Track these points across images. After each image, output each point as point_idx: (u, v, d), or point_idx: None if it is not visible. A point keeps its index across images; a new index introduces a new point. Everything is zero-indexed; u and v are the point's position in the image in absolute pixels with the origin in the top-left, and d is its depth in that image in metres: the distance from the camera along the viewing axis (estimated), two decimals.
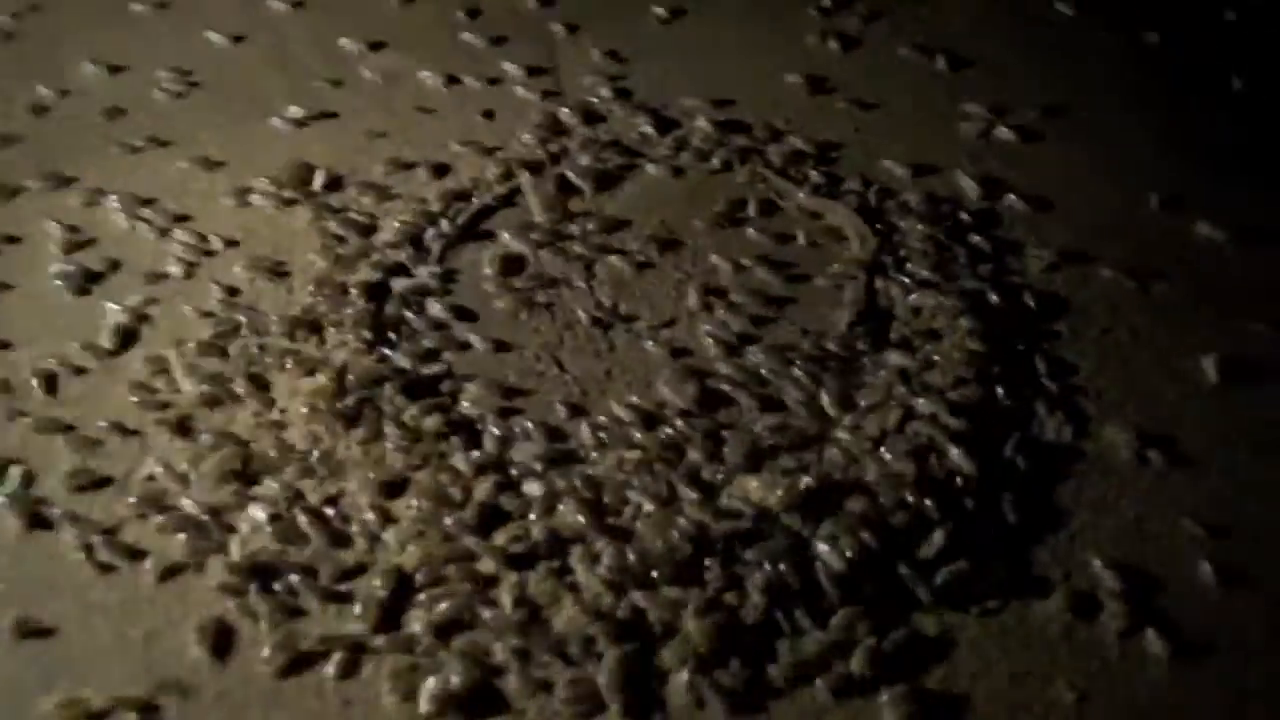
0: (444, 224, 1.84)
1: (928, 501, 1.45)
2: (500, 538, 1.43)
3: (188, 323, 1.70)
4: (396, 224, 1.83)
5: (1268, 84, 2.09)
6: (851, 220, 1.84)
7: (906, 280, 1.74)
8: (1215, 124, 2.04)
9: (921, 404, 1.56)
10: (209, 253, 1.81)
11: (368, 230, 1.83)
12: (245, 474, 1.51)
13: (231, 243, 1.83)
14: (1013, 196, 1.88)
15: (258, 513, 1.46)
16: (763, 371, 1.62)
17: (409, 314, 1.71)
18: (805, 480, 1.46)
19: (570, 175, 1.91)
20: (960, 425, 1.53)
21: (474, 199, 1.88)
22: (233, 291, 1.75)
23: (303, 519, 1.45)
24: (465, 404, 1.58)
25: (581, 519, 1.43)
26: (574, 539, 1.42)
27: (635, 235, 1.83)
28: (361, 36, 2.21)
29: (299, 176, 1.92)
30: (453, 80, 2.13)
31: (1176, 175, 1.93)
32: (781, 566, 1.39)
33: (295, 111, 2.05)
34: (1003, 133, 2.00)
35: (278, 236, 1.84)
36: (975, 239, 1.81)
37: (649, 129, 2.00)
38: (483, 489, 1.47)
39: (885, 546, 1.41)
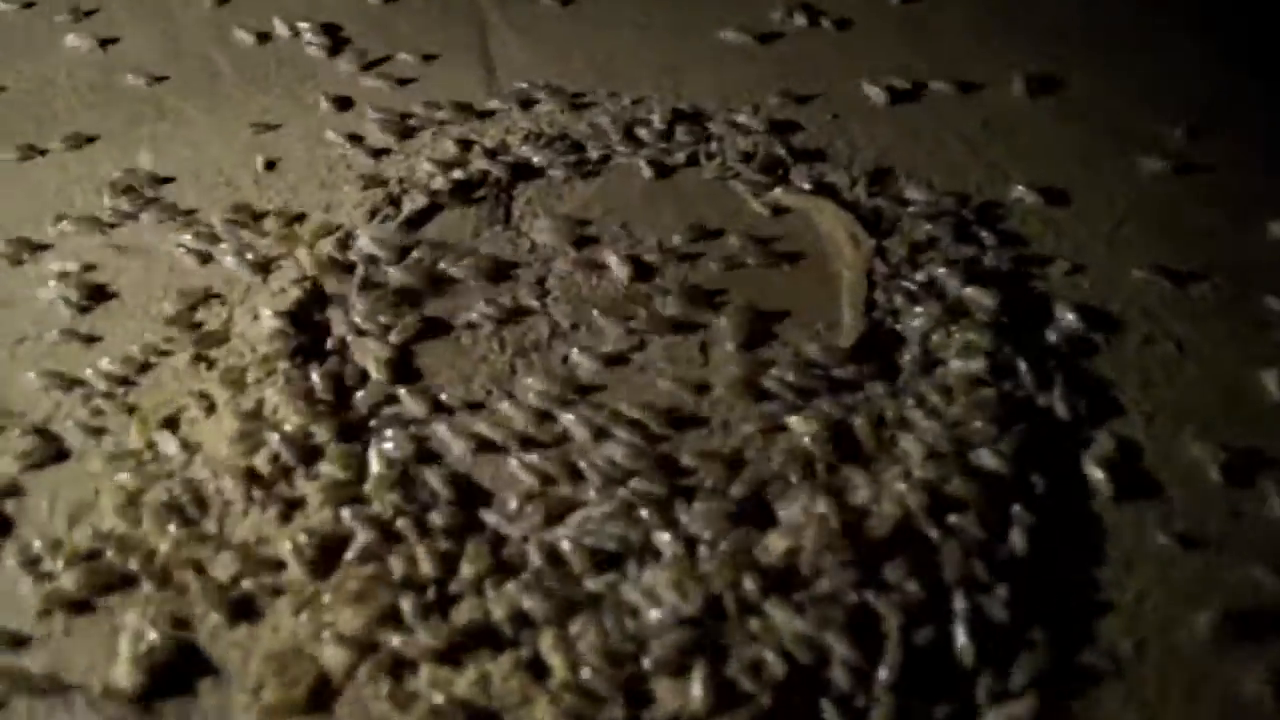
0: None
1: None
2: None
3: None
4: None
5: None
6: (842, 218, 1.58)
7: (911, 289, 1.49)
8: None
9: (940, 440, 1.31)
10: None
11: None
12: None
13: None
14: (1021, 188, 1.64)
15: None
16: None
17: None
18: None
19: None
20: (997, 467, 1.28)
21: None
22: None
23: None
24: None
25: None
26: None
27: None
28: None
29: None
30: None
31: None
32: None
33: None
34: (1001, 112, 1.76)
35: None
36: (985, 237, 1.56)
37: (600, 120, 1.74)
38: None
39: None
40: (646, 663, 1.14)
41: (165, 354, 1.45)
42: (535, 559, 1.22)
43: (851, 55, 1.88)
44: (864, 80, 1.80)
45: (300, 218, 1.61)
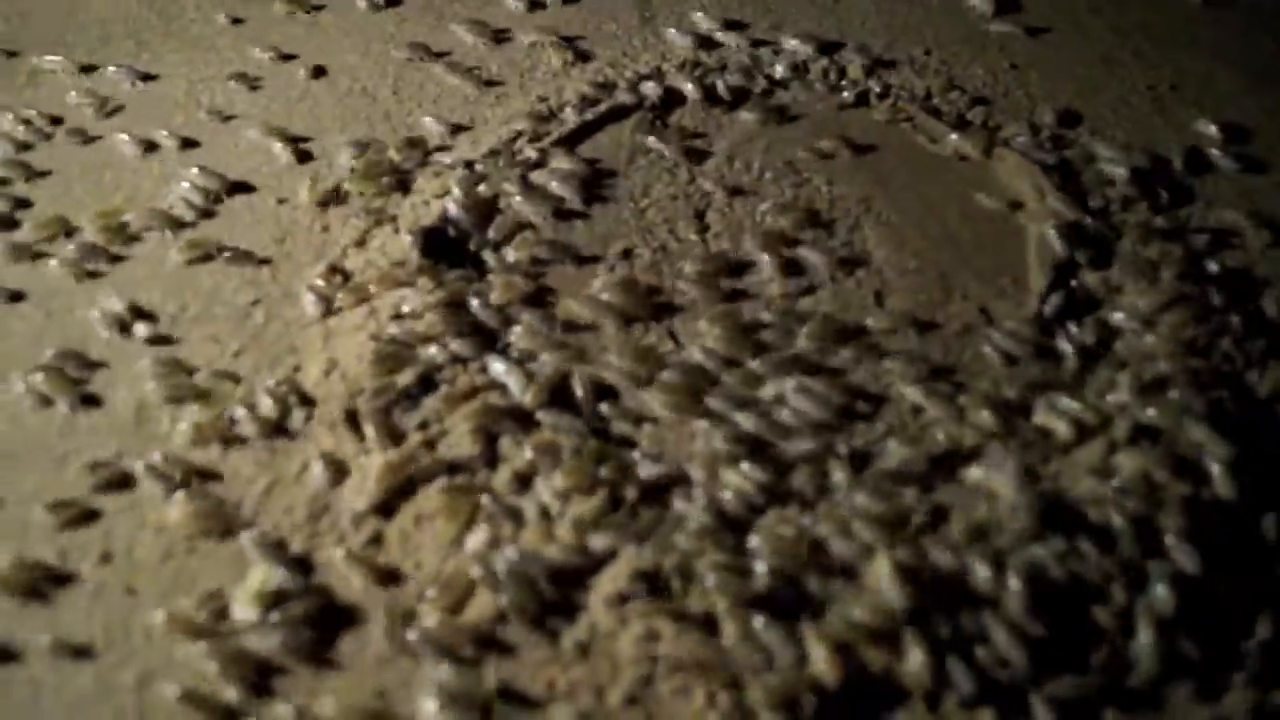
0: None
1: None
2: None
3: None
4: None
5: None
6: (1025, 168, 1.47)
7: (1098, 250, 1.37)
8: None
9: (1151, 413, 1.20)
10: None
11: None
12: None
13: None
14: (1215, 151, 1.52)
15: None
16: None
17: None
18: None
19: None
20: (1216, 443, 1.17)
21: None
22: None
23: None
24: None
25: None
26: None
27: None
28: None
29: None
30: None
31: None
32: None
33: None
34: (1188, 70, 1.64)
35: None
36: (1176, 203, 1.45)
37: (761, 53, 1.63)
38: None
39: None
40: None
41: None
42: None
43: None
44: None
45: (458, 128, 1.52)
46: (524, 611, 1.05)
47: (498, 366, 1.23)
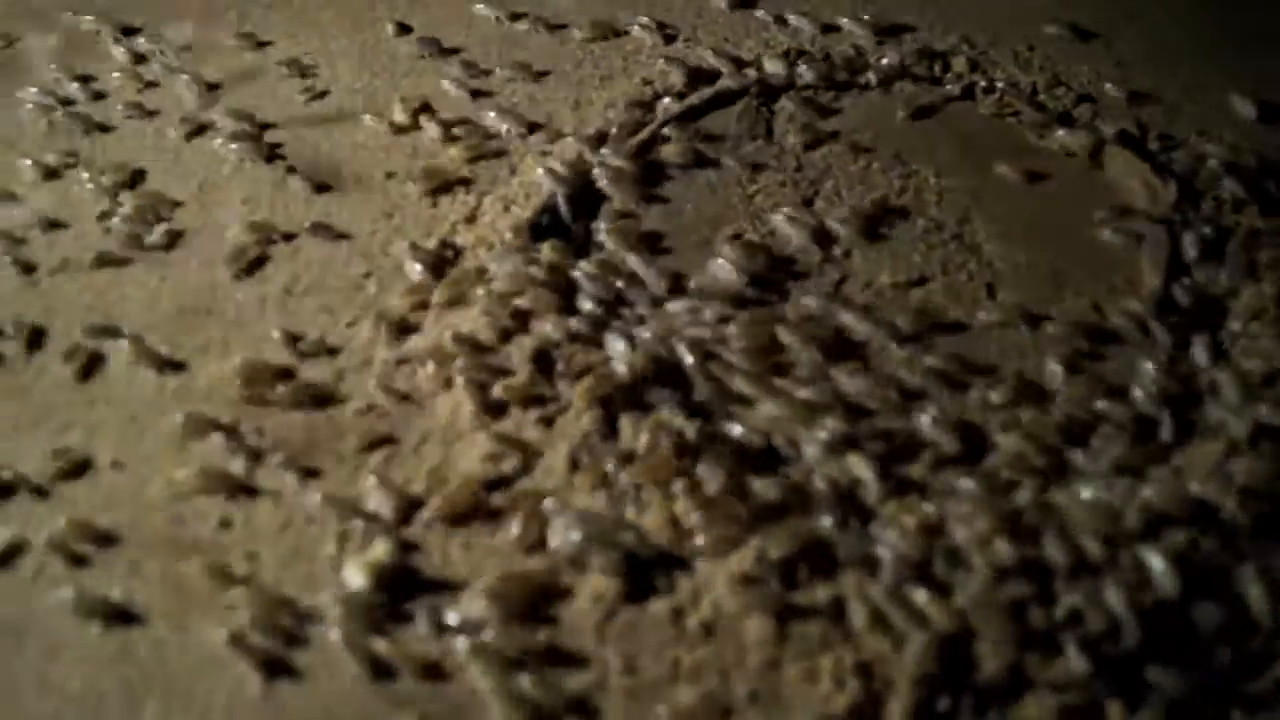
0: None
1: None
2: None
3: None
4: None
5: None
6: (1135, 166, 1.46)
7: (1208, 251, 1.36)
8: None
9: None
10: None
11: None
12: None
13: None
14: None
15: None
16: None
17: None
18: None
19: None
20: None
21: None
22: None
23: None
24: None
25: None
26: None
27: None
28: None
29: None
30: None
31: None
32: None
33: None
34: None
35: None
36: None
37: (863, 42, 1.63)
38: None
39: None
40: None
41: None
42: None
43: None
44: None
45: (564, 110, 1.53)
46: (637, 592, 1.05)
47: (616, 345, 1.22)
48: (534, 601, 1.05)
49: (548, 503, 1.10)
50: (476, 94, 1.55)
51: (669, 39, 1.64)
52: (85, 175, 1.44)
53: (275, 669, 1.02)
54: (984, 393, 1.20)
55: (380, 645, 1.02)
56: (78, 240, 1.37)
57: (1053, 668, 1.01)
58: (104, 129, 1.52)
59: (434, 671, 1.01)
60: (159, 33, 1.66)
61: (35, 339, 1.27)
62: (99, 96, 1.56)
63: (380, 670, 1.01)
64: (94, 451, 1.17)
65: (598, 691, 1.01)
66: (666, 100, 1.53)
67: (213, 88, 1.57)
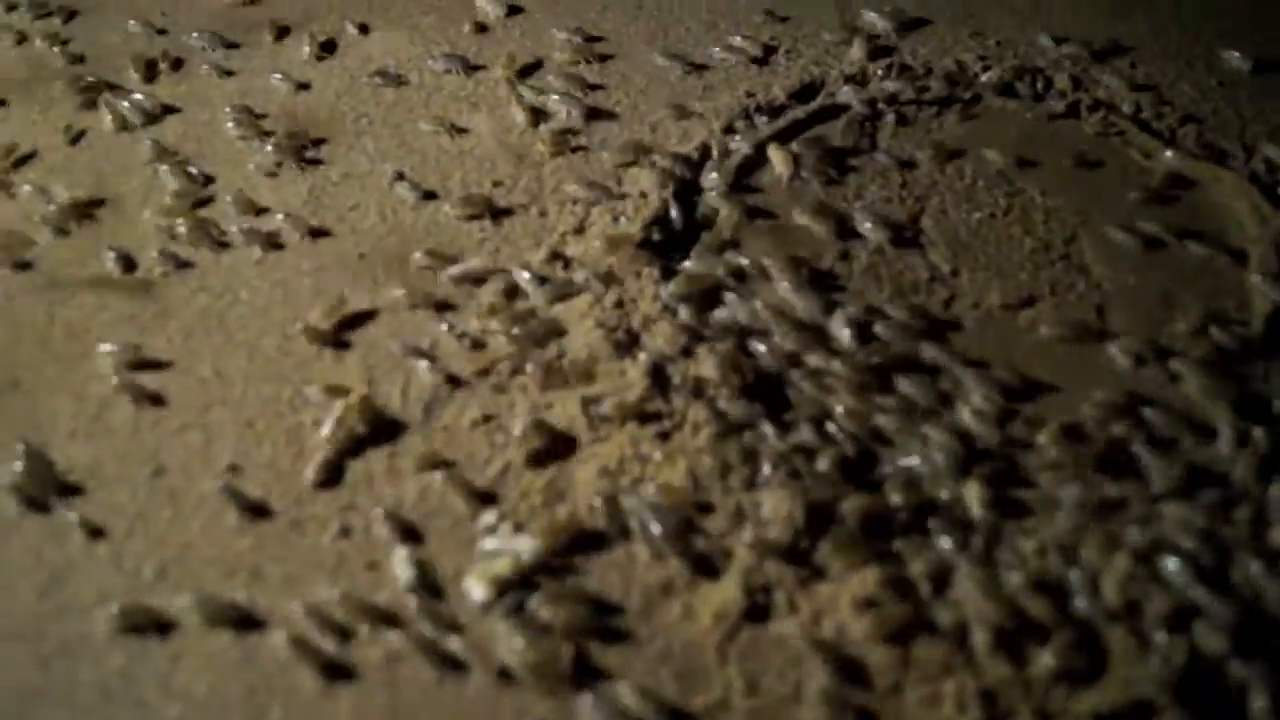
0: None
1: None
2: None
3: None
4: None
5: None
6: (1243, 189, 1.45)
7: None
8: None
9: None
10: None
11: None
12: None
13: None
14: None
15: None
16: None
17: None
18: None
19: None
20: None
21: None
22: None
23: None
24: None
25: None
26: None
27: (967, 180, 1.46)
28: None
29: None
30: None
31: None
32: None
33: None
34: None
35: None
36: None
37: (965, 58, 1.63)
38: None
39: None
40: None
41: None
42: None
43: (1224, 17, 1.73)
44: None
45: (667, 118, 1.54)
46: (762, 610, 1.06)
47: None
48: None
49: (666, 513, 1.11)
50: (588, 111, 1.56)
51: (769, 50, 1.64)
52: None
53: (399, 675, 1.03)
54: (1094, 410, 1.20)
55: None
56: None
57: None
58: None
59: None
60: None
61: None
62: None
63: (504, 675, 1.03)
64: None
65: (720, 711, 1.01)
66: (762, 116, 1.53)
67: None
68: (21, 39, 1.71)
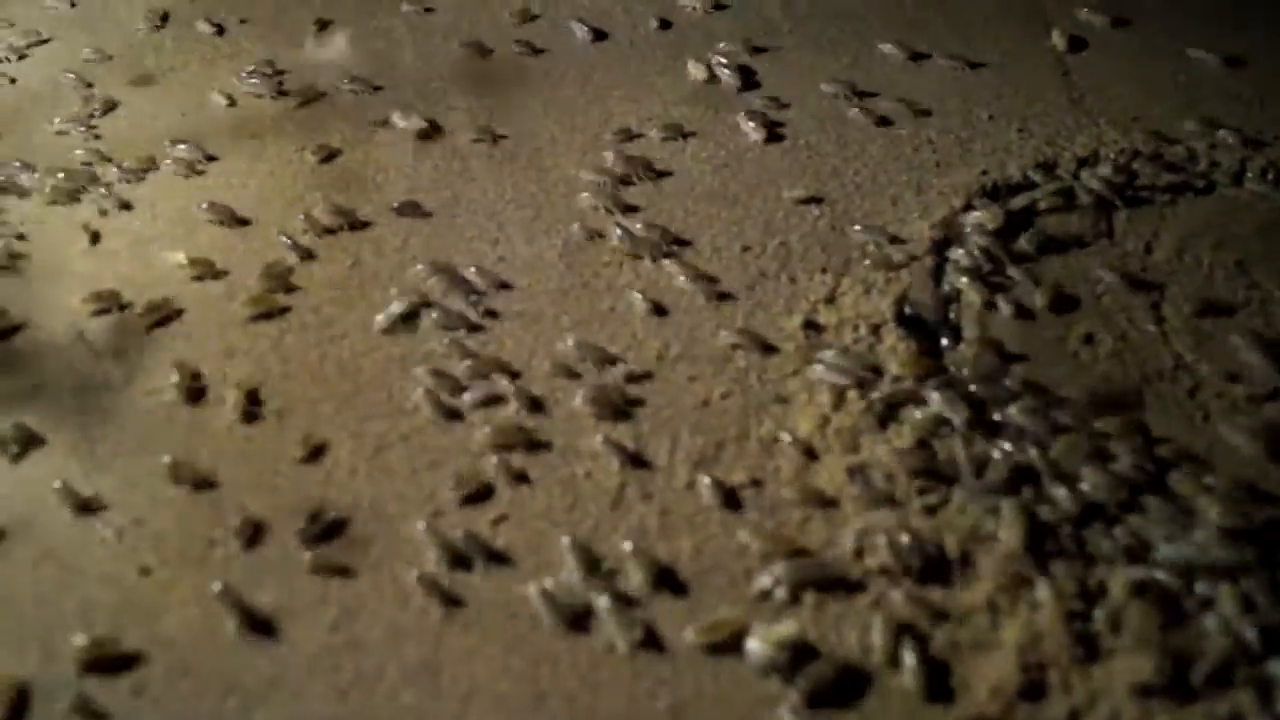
0: None
1: None
2: None
3: None
4: None
5: None
6: None
7: None
8: None
9: None
10: None
11: None
12: None
13: None
14: None
15: None
16: None
17: None
18: None
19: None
20: None
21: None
22: None
23: None
24: None
25: None
26: None
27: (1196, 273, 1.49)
28: None
29: None
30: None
31: None
32: None
33: None
34: None
35: None
36: None
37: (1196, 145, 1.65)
38: None
39: None
40: None
41: None
42: None
43: None
44: None
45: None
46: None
47: (1003, 443, 1.27)
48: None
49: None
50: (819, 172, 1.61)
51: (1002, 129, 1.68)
52: None
53: None
54: None
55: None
56: None
57: None
58: None
59: None
60: None
61: None
62: None
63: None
64: None
65: None
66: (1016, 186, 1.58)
67: None
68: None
